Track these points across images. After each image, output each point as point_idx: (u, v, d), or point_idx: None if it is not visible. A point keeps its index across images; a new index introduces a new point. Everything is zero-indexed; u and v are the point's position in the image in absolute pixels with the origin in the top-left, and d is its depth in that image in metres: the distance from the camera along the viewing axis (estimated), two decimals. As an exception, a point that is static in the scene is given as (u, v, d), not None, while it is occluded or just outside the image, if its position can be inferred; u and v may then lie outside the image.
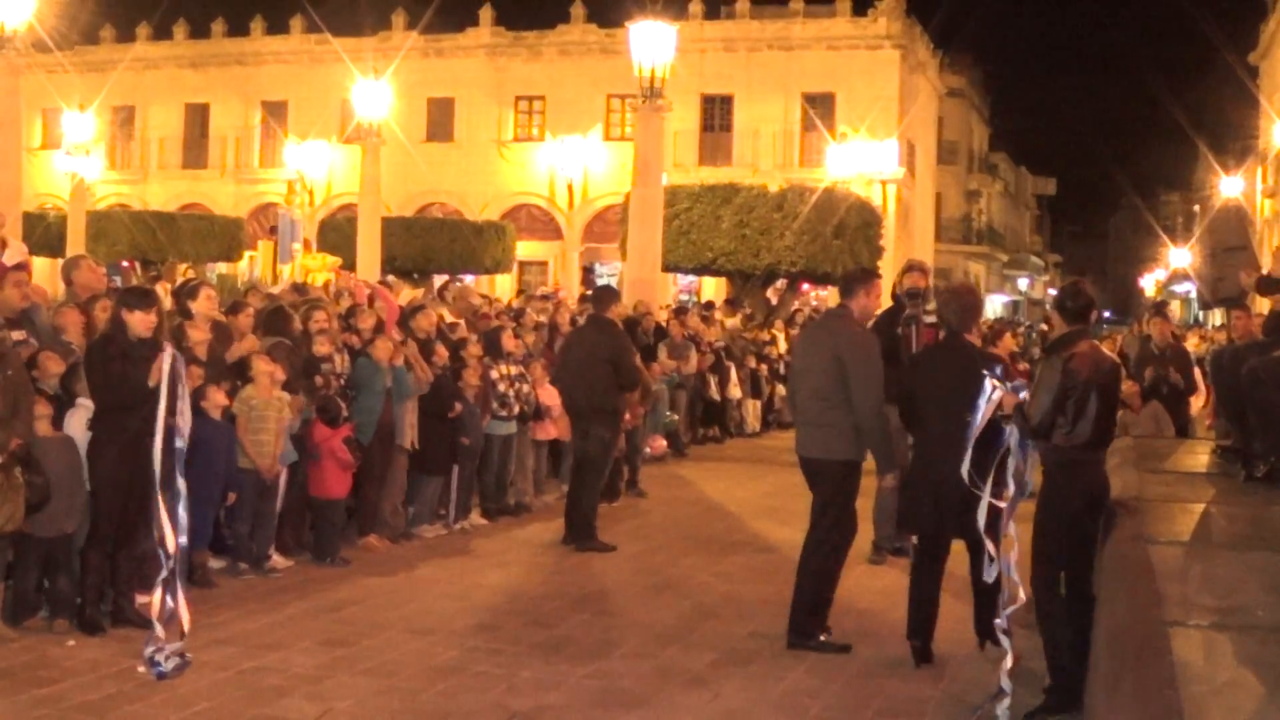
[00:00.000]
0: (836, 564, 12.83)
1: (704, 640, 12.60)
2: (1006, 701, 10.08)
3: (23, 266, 14.97)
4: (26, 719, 9.80)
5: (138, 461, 11.58)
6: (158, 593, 11.26)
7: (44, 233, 46.61)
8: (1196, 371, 20.40)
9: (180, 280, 28.42)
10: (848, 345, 12.59)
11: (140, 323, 12.33)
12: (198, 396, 14.04)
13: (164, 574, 11.22)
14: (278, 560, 15.04)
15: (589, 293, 23.24)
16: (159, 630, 10.98)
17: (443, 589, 14.54)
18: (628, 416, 19.17)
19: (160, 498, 11.25)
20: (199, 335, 14.70)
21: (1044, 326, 46.11)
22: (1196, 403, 20.30)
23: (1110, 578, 9.15)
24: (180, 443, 11.42)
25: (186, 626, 11.13)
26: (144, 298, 12.96)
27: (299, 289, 23.10)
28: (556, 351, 20.33)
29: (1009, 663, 10.20)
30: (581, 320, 21.10)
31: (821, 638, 12.39)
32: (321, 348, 16.40)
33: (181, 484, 11.45)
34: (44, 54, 45.52)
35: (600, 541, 16.96)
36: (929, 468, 11.56)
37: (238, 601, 13.57)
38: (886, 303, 16.48)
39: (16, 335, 12.97)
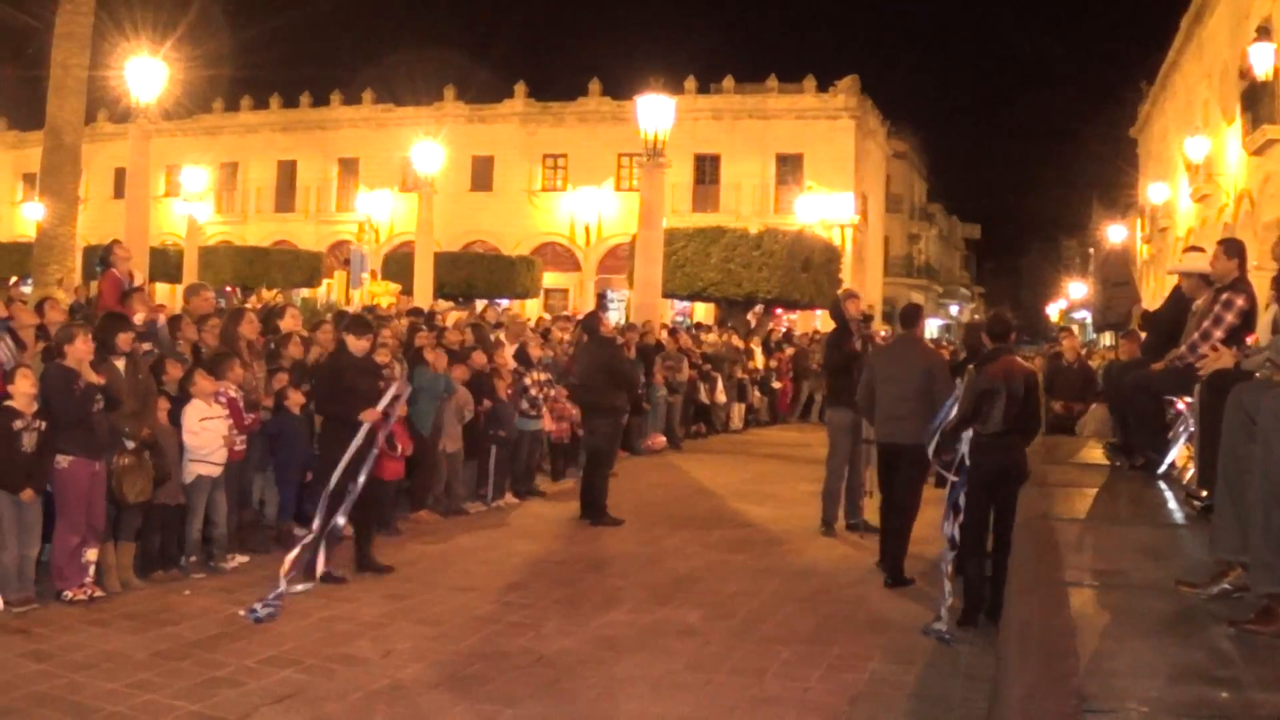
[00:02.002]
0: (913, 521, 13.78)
1: (694, 598, 12.62)
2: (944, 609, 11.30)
3: (141, 289, 15.04)
4: (154, 650, 9.91)
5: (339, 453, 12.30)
6: (295, 552, 11.93)
7: (165, 263, 46.68)
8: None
9: (269, 302, 28.55)
10: (935, 361, 14.24)
11: (357, 345, 13.23)
12: (281, 396, 14.27)
13: (309, 539, 12.10)
14: (347, 530, 15.11)
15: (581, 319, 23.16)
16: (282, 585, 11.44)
17: (482, 555, 14.59)
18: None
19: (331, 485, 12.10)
20: (294, 351, 14.88)
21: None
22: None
23: (1022, 547, 9.26)
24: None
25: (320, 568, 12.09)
26: (363, 326, 13.86)
27: (370, 310, 23.14)
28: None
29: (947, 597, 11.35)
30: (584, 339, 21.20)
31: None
32: (381, 358, 16.50)
33: (361, 478, 12.30)
34: (167, 121, 45.58)
35: (610, 517, 16.99)
36: None
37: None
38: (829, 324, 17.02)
39: (144, 346, 13.08)
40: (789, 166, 63.88)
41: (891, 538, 13.78)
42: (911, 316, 15.31)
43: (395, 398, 13.20)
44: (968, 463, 11.78)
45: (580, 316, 25.09)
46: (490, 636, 10.85)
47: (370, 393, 12.89)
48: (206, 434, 12.86)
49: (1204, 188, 41.54)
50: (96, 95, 34.03)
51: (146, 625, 10.70)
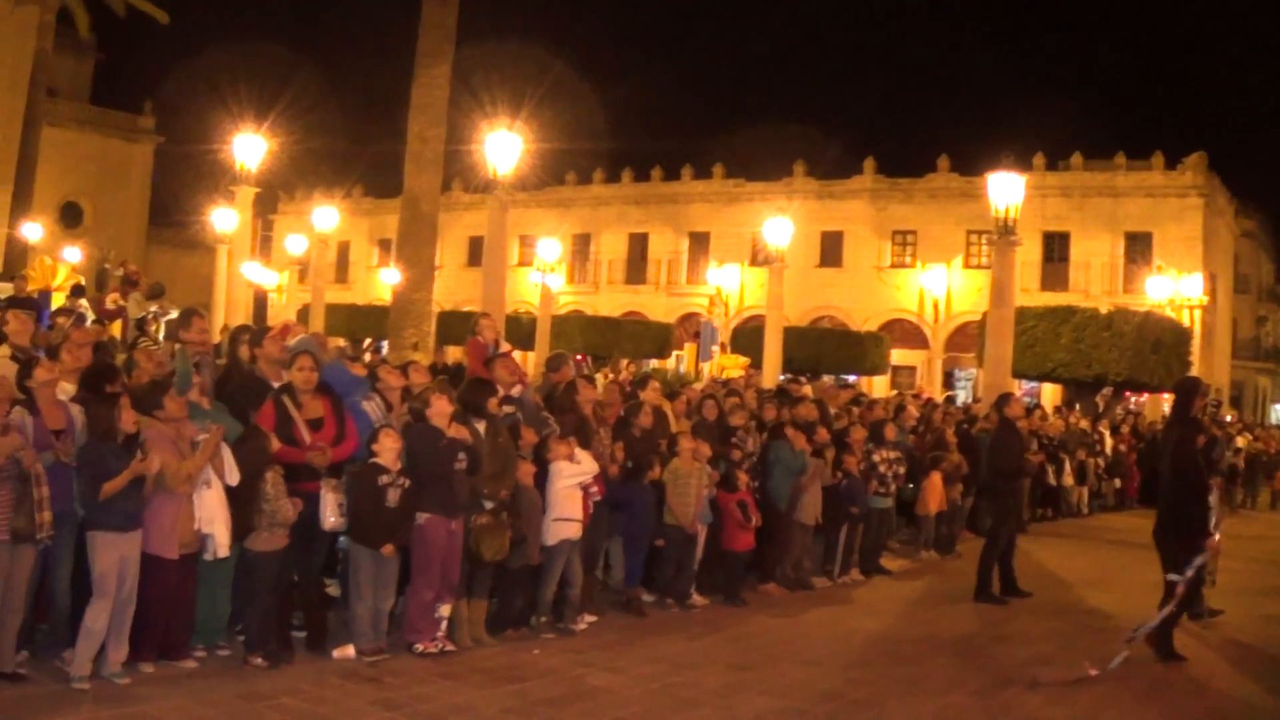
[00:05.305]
0: None
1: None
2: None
3: (507, 355, 15.40)
4: (502, 706, 10.21)
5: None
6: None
7: (518, 331, 47.84)
8: None
9: (624, 373, 28.94)
10: None
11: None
12: (645, 465, 14.45)
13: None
14: (696, 599, 15.22)
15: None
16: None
17: (827, 630, 14.56)
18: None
19: None
20: (643, 419, 15.07)
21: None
22: None
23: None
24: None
25: None
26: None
27: (724, 384, 23.27)
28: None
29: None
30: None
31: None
32: (736, 420, 16.61)
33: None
34: (522, 193, 46.75)
35: (991, 595, 16.99)
36: None
37: (664, 629, 13.84)
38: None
39: (507, 409, 13.38)
40: (1138, 245, 62.42)
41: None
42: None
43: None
44: None
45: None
46: (832, 711, 10.84)
47: None
48: (570, 497, 13.17)
49: None
50: (451, 165, 35.06)
51: (495, 681, 10.97)
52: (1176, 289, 55.99)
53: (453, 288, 68.45)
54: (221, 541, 10.57)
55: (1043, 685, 12.16)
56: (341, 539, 11.82)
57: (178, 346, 13.07)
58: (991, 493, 18.04)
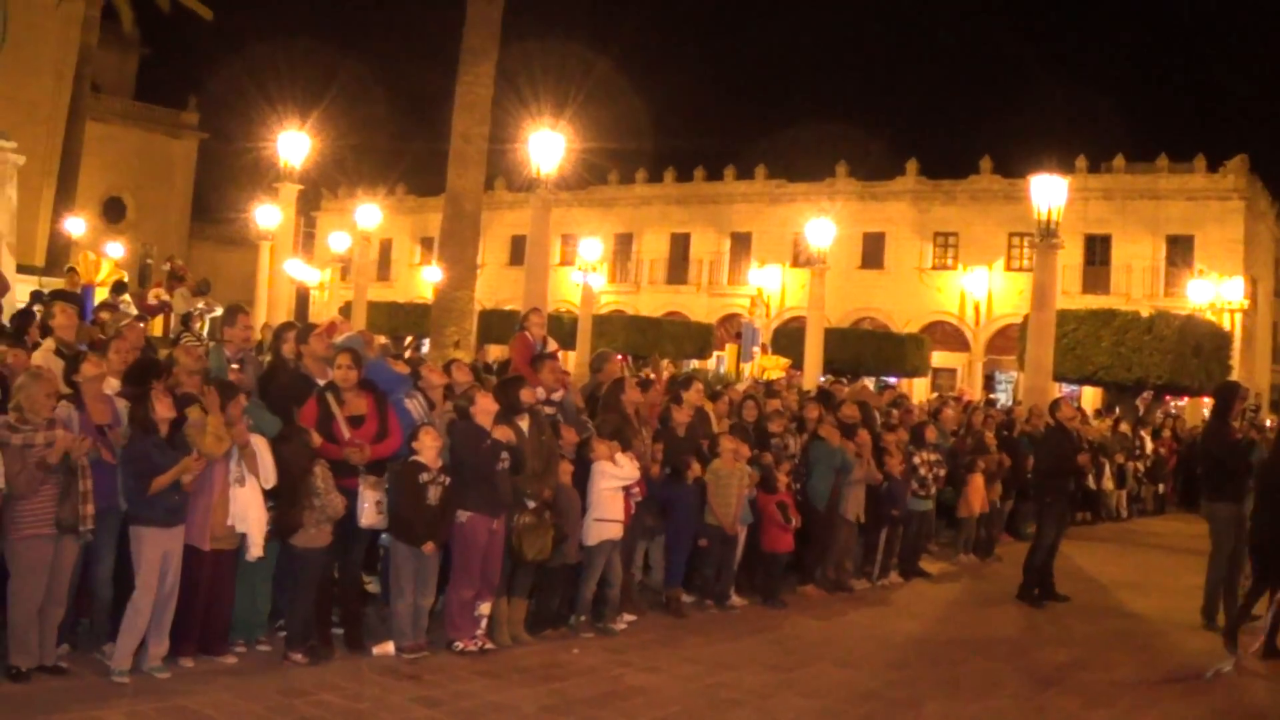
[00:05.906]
0: None
1: (1076, 686, 12.45)
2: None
3: (554, 356, 15.38)
4: (541, 704, 10.25)
5: None
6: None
7: (559, 330, 47.75)
8: None
9: (664, 373, 28.89)
10: None
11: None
12: (684, 465, 14.44)
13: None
14: (735, 600, 15.21)
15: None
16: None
17: (865, 632, 14.55)
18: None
19: None
20: (682, 417, 15.04)
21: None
22: None
23: None
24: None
25: None
26: None
27: (765, 385, 23.27)
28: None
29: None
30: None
31: None
32: (775, 426, 16.59)
33: None
34: (564, 192, 46.76)
35: (1032, 595, 16.97)
36: None
37: (703, 630, 13.85)
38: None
39: (549, 410, 13.41)
40: (1179, 248, 62.15)
41: None
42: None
43: None
44: None
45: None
46: (871, 713, 10.86)
47: None
48: (611, 498, 13.17)
49: None
50: (494, 163, 35.03)
51: (534, 680, 11.00)
52: (1218, 292, 55.97)
53: (495, 286, 68.71)
54: (255, 540, 10.62)
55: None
56: (383, 536, 11.88)
57: (212, 344, 13.14)
58: (1039, 494, 17.99)
